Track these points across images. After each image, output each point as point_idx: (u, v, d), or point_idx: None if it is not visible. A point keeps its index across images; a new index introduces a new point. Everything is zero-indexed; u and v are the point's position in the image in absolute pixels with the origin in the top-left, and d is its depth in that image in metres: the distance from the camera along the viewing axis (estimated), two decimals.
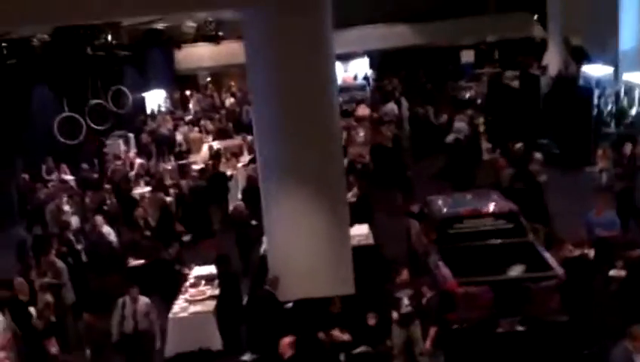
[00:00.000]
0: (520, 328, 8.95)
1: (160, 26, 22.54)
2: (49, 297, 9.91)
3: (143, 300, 9.49)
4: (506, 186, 12.71)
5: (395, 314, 8.97)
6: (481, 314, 8.92)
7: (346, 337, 9.72)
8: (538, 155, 13.99)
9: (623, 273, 8.85)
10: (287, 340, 7.83)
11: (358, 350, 9.74)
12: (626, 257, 8.96)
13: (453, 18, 31.69)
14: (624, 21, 22.27)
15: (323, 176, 10.08)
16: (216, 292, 10.62)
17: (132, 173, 17.41)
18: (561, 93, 19.72)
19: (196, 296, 10.57)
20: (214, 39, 26.22)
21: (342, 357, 9.72)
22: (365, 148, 17.74)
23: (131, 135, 22.08)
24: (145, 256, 11.98)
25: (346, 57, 33.18)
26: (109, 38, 20.20)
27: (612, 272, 9.02)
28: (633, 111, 18.94)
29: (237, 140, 19.65)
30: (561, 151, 18.39)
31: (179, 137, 21.90)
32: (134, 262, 11.70)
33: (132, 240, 12.76)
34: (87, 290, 11.55)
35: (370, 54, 33.82)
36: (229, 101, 28.64)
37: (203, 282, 11.08)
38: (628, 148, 14.76)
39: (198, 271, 11.53)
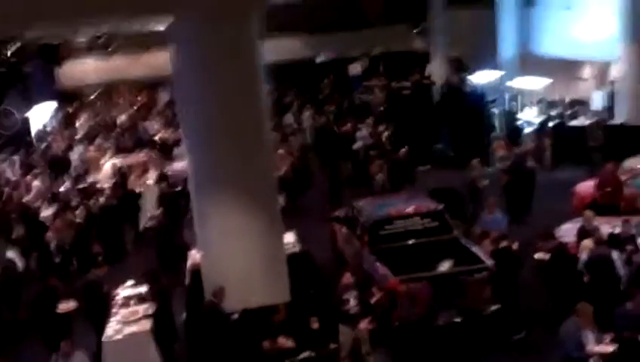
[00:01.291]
0: (457, 319, 9.40)
1: (47, 41, 21.52)
2: None
3: (78, 357, 8.96)
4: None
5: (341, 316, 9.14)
6: (422, 309, 9.28)
7: (290, 344, 9.83)
8: (475, 162, 14.73)
9: (547, 256, 9.53)
10: None
11: (302, 355, 9.90)
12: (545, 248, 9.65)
13: (341, 31, 32.55)
14: (504, 31, 23.98)
15: (255, 185, 10.10)
16: (149, 311, 10.36)
17: (29, 197, 16.57)
18: (452, 101, 20.85)
19: (129, 316, 10.22)
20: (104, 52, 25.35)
21: None
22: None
23: (16, 157, 20.96)
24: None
25: None
26: None
27: (537, 255, 9.68)
28: (520, 115, 20.42)
29: (140, 156, 19.15)
30: (455, 154, 19.46)
31: (73, 157, 21.09)
32: (64, 307, 10.71)
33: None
34: None
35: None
36: (120, 118, 27.88)
37: (132, 302, 10.77)
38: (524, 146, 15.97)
39: (126, 291, 11.19)
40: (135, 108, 30.46)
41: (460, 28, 28.51)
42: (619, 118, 18.29)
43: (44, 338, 10.03)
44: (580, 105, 20.76)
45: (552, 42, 23.00)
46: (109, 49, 25.37)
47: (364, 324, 8.96)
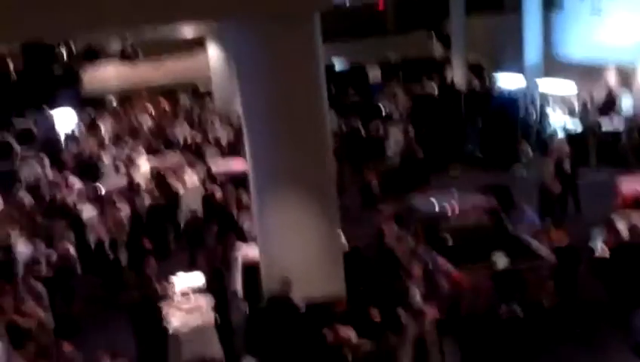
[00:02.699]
0: (519, 313, 9.54)
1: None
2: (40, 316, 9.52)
3: None
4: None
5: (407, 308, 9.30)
6: (484, 302, 9.45)
7: (352, 335, 9.99)
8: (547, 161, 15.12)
9: (607, 253, 9.70)
10: None
11: (363, 347, 10.07)
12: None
13: (357, 38, 32.88)
14: (529, 36, 24.20)
15: (315, 181, 10.30)
16: (211, 304, 10.55)
17: (72, 197, 16.76)
18: (480, 104, 21.06)
19: (193, 309, 10.42)
20: (132, 58, 25.65)
21: (349, 355, 9.99)
22: None
23: (45, 158, 21.19)
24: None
25: None
26: None
27: (597, 253, 9.85)
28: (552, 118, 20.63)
29: (174, 158, 19.38)
30: (486, 155, 19.67)
31: (106, 159, 21.33)
32: None
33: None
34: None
35: None
36: (146, 122, 28.16)
37: (190, 294, 10.96)
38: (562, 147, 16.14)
39: (180, 281, 11.36)
40: (159, 113, 30.74)
41: (481, 34, 28.91)
42: None
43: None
44: (611, 108, 20.91)
45: (577, 47, 23.22)
46: (138, 55, 25.50)
47: (431, 314, 9.07)
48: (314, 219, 10.30)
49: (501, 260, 10.20)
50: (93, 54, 19.79)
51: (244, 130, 10.63)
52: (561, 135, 19.28)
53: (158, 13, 9.46)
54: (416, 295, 9.30)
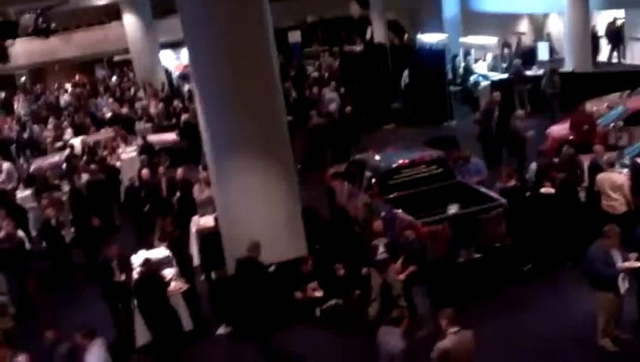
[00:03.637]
0: (476, 255, 10.04)
1: None
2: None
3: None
4: None
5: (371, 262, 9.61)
6: (444, 249, 9.88)
7: (319, 294, 10.27)
8: (520, 112, 15.55)
9: (552, 190, 10.29)
10: None
11: (330, 303, 10.37)
12: (553, 178, 10.39)
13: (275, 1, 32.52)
14: None
15: (272, 145, 10.40)
16: (174, 273, 10.53)
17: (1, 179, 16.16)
18: (407, 59, 21.42)
19: None
20: (46, 32, 24.43)
21: (317, 311, 10.28)
22: None
23: None
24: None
25: (176, 45, 32.79)
26: None
27: (543, 190, 10.41)
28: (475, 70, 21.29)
29: (105, 133, 18.90)
30: (416, 111, 20.17)
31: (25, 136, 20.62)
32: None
33: None
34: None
35: None
36: (63, 98, 27.22)
37: None
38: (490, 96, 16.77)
39: (140, 256, 11.27)
40: (77, 87, 29.75)
41: None
42: (567, 67, 19.44)
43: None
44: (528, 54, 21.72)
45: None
46: (51, 28, 24.29)
47: (398, 267, 9.39)
48: (273, 182, 10.42)
49: (453, 208, 10.66)
50: (9, 29, 18.73)
51: (197, 99, 10.52)
52: (484, 84, 19.97)
53: None
54: (379, 247, 9.57)
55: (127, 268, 9.85)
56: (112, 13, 34.48)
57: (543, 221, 10.25)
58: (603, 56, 22.52)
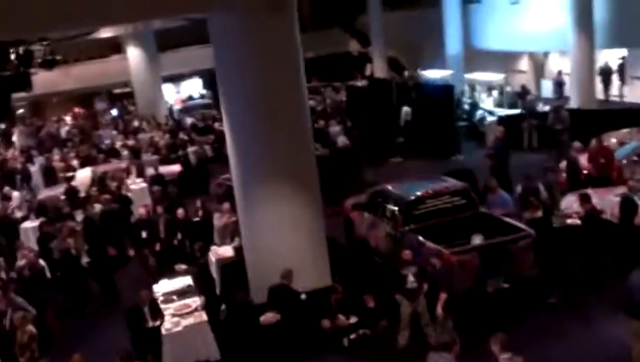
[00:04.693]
0: (505, 285, 10.03)
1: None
2: (32, 329, 9.08)
3: None
4: None
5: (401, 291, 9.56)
6: (472, 278, 9.86)
7: (347, 322, 10.18)
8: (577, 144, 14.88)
9: (578, 221, 10.35)
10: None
11: (358, 332, 10.28)
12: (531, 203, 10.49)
13: None
14: (449, 30, 25.17)
15: (300, 174, 10.43)
16: (199, 303, 10.43)
17: (11, 208, 16.02)
18: (412, 94, 21.66)
19: (182, 309, 10.26)
20: (51, 64, 24.49)
21: (345, 341, 10.18)
22: None
23: None
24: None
25: (176, 79, 33.01)
26: None
27: (569, 221, 10.47)
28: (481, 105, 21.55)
29: (114, 164, 18.88)
30: (422, 145, 20.32)
31: (33, 169, 20.53)
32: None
33: None
34: None
35: (200, 74, 33.98)
36: (64, 129, 27.19)
37: (174, 297, 10.80)
38: (498, 130, 16.94)
39: (162, 286, 11.19)
40: (77, 119, 29.74)
41: (397, 29, 29.78)
42: (572, 104, 19.72)
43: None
44: (527, 94, 22.10)
45: (495, 37, 24.41)
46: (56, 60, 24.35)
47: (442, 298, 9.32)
48: (300, 210, 10.41)
49: (477, 239, 10.68)
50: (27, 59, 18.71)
51: (227, 128, 10.54)
52: (490, 119, 20.21)
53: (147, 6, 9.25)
54: (409, 276, 9.54)
55: (159, 313, 9.60)
56: (112, 47, 34.74)
57: (569, 252, 10.29)
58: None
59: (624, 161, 13.95)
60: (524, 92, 21.91)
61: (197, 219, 13.56)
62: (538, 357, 9.18)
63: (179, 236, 13.08)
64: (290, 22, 10.17)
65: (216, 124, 24.56)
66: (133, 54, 27.84)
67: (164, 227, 13.30)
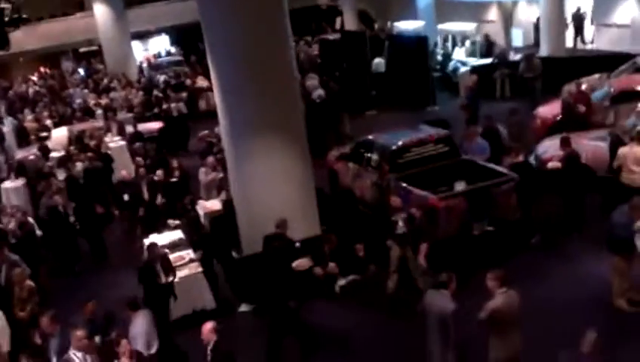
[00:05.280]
0: (490, 228, 10.41)
1: None
2: (31, 283, 9.23)
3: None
4: None
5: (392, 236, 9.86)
6: (459, 223, 10.21)
7: (337, 269, 10.49)
8: None
9: (558, 164, 10.74)
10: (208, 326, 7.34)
11: (349, 278, 10.62)
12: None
13: None
14: None
15: (288, 125, 10.55)
16: (192, 255, 10.63)
17: None
18: (381, 47, 21.70)
19: (177, 261, 10.45)
20: (17, 23, 23.88)
21: (336, 287, 10.52)
22: None
23: None
24: None
25: (143, 36, 32.46)
26: None
27: (549, 165, 10.84)
28: (453, 56, 21.74)
29: (90, 123, 18.73)
30: (397, 97, 20.50)
31: (5, 129, 20.23)
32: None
33: None
34: None
35: (167, 31, 33.49)
36: (32, 89, 26.70)
37: (167, 250, 10.96)
38: (471, 80, 17.22)
39: (153, 240, 11.34)
40: (45, 79, 29.19)
41: None
42: (542, 52, 20.04)
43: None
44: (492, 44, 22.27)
45: None
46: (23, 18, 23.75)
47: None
48: (290, 162, 10.58)
49: (461, 185, 11.00)
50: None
51: (215, 85, 10.57)
52: (463, 70, 20.43)
53: None
54: (399, 222, 9.82)
55: (172, 269, 9.68)
56: (75, 4, 33.93)
57: (550, 194, 10.70)
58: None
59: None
60: (488, 42, 22.06)
61: (174, 179, 13.54)
62: (523, 296, 9.61)
63: (159, 198, 13.12)
64: None
65: (188, 81, 24.39)
66: (100, 11, 27.25)
67: (147, 189, 13.34)
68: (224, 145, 10.89)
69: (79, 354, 7.05)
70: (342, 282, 10.58)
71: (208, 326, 7.20)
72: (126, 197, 13.39)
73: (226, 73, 10.30)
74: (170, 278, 9.47)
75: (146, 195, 13.26)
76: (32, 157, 16.72)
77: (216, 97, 10.64)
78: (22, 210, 11.89)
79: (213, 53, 10.43)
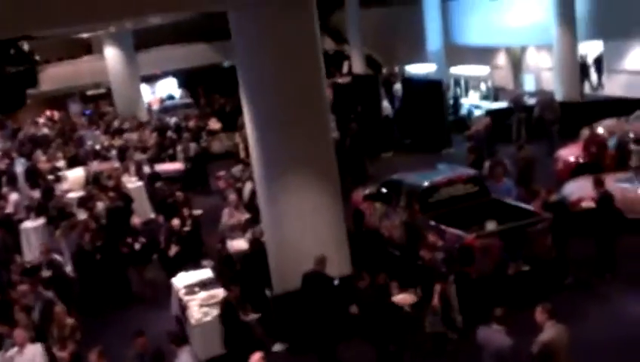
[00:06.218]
0: (525, 268, 10.35)
1: None
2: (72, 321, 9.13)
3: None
4: None
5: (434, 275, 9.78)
6: (494, 262, 10.16)
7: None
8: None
9: (592, 204, 10.76)
10: (257, 356, 7.34)
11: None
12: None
13: None
14: (430, 27, 25.51)
15: (320, 166, 10.54)
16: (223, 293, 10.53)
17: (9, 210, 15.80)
18: (399, 90, 21.98)
19: (209, 299, 10.35)
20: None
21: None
22: None
23: None
24: None
25: (150, 79, 32.74)
26: None
27: (583, 204, 10.86)
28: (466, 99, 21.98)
29: (105, 163, 18.77)
30: (414, 140, 20.63)
31: (18, 170, 20.19)
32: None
33: None
34: None
35: (174, 74, 33.83)
36: (43, 130, 26.81)
37: (197, 289, 10.88)
38: (482, 124, 17.37)
39: (182, 279, 11.26)
40: (55, 121, 29.36)
41: (372, 26, 30.12)
42: (557, 97, 20.22)
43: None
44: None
45: (475, 33, 24.82)
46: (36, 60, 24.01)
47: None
48: (322, 199, 10.53)
49: (491, 225, 10.97)
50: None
51: (248, 121, 10.60)
52: (478, 113, 20.61)
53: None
54: (438, 261, 9.78)
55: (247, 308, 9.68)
56: (83, 47, 34.23)
57: (584, 234, 10.68)
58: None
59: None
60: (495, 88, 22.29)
61: (187, 228, 13.39)
62: None
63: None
64: (309, 14, 10.30)
65: (191, 123, 24.39)
66: (111, 54, 27.54)
67: (164, 237, 13.19)
68: (257, 182, 10.86)
69: None
70: None
71: (257, 356, 7.10)
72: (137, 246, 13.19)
73: (261, 111, 10.34)
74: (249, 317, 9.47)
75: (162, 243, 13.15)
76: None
77: (250, 135, 10.65)
78: (51, 247, 11.77)
79: (248, 91, 10.48)
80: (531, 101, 19.81)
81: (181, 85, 33.97)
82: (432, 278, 9.76)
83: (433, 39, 25.36)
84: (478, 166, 15.50)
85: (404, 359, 9.12)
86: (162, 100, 31.77)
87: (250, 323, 9.62)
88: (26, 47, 16.55)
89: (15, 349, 8.42)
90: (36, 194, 17.49)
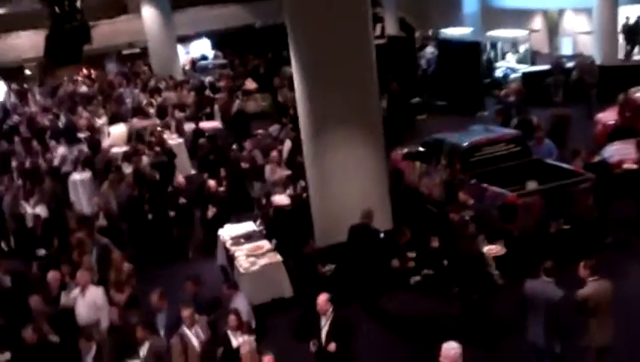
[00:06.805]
0: (566, 226, 10.52)
1: None
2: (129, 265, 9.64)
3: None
4: None
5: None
6: (536, 220, 10.34)
7: (412, 264, 10.66)
8: None
9: (634, 166, 10.86)
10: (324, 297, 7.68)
11: (423, 273, 10.77)
12: None
13: None
14: None
15: (365, 121, 10.80)
16: (270, 245, 10.88)
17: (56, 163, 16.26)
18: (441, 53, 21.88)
19: (256, 250, 10.72)
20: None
21: (411, 280, 10.68)
22: None
23: None
24: None
25: (184, 39, 32.90)
26: None
27: (625, 166, 10.96)
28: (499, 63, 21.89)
29: (149, 121, 19.11)
30: (449, 102, 20.65)
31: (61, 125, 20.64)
32: None
33: None
34: None
35: (208, 35, 33.98)
36: (83, 89, 27.22)
37: (242, 240, 11.24)
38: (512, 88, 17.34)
39: (228, 231, 11.64)
40: (93, 80, 29.75)
41: None
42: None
43: None
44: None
45: None
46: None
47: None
48: (367, 155, 10.80)
49: (532, 184, 11.13)
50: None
51: (296, 79, 10.81)
52: (514, 76, 20.55)
53: None
54: (468, 221, 9.95)
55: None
56: (119, 8, 34.50)
57: (624, 195, 10.79)
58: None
59: None
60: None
61: (222, 188, 13.58)
62: None
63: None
64: None
65: (248, 80, 24.49)
66: (148, 13, 27.72)
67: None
68: (303, 138, 11.12)
69: (192, 330, 7.33)
70: (417, 278, 10.73)
71: (324, 296, 7.51)
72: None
73: (309, 67, 10.57)
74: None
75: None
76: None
77: (298, 91, 10.89)
78: (105, 199, 12.21)
79: (296, 47, 10.68)
80: (570, 64, 19.69)
81: (215, 46, 34.09)
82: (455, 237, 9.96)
83: (469, 1, 25.18)
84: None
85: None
86: (195, 61, 31.94)
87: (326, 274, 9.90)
88: (78, 3, 16.76)
89: (77, 290, 8.86)
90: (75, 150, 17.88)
